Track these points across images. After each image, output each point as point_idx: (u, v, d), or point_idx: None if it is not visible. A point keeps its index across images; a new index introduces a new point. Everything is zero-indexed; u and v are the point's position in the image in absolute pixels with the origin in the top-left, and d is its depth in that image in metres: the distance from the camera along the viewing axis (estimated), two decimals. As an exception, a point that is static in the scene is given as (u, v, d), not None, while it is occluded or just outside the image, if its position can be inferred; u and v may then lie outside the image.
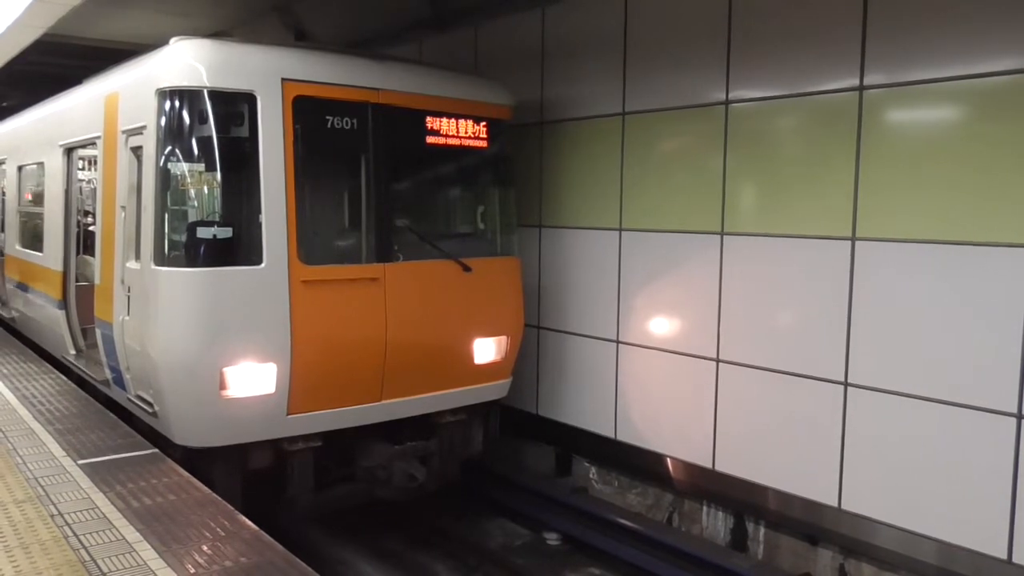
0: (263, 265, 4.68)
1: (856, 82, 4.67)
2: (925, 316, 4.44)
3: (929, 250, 4.40)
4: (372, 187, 5.22)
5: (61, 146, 6.87)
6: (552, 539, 6.19)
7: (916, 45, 4.41)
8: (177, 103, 4.68)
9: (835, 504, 4.89)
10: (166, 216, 4.74)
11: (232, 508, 3.99)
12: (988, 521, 4.23)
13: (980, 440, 4.24)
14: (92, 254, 6.26)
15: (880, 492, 4.68)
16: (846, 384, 4.82)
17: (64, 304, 6.74)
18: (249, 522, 3.82)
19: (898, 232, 4.52)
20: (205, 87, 4.61)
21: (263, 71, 4.73)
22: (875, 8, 4.58)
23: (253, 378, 4.70)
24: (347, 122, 5.05)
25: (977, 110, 4.23)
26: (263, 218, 4.68)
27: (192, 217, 4.77)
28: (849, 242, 4.75)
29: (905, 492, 4.57)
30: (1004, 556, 4.18)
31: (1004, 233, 4.10)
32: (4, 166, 9.46)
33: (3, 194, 9.59)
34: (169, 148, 4.72)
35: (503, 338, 5.96)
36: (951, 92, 4.30)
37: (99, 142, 5.91)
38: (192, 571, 3.27)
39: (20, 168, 8.68)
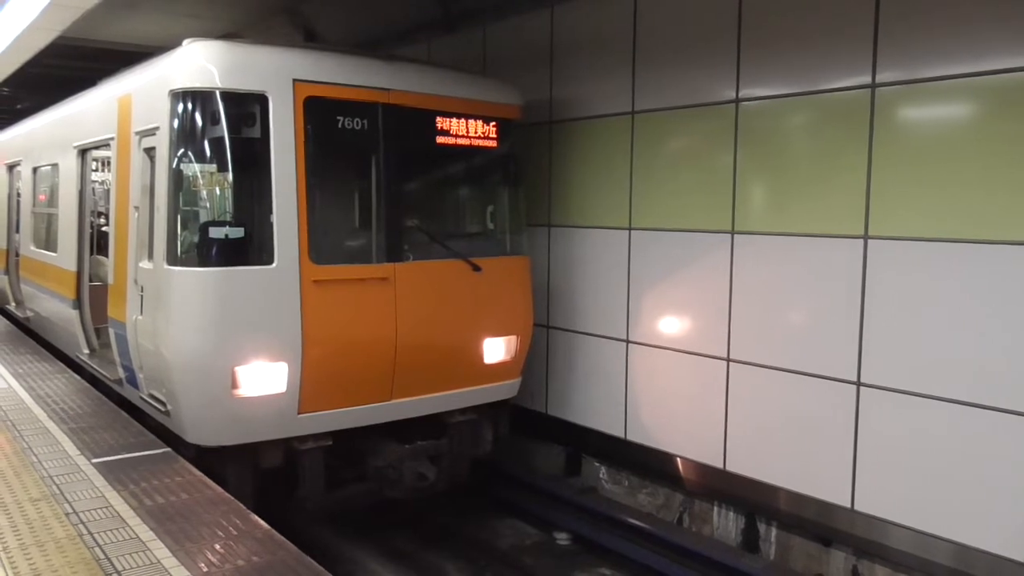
0: (274, 265, 4.70)
1: (868, 80, 4.64)
2: (938, 315, 4.40)
3: (942, 248, 4.36)
4: (382, 187, 5.23)
5: (75, 147, 6.93)
6: (562, 539, 6.18)
7: (929, 42, 4.37)
8: (190, 104, 4.71)
9: (848, 505, 4.86)
10: (179, 216, 4.77)
11: (244, 507, 4.01)
12: (1005, 522, 4.18)
13: (996, 440, 4.20)
14: (106, 254, 6.31)
15: (894, 493, 4.64)
16: (859, 384, 4.79)
17: (78, 304, 6.80)
18: (261, 521, 3.84)
19: (911, 230, 4.49)
20: (217, 88, 4.64)
21: (275, 72, 4.76)
22: (887, 4, 4.54)
23: (264, 377, 4.72)
24: (358, 122, 5.07)
25: (991, 107, 4.18)
26: (274, 218, 4.70)
27: (204, 217, 4.80)
28: (861, 240, 4.72)
29: (919, 493, 4.53)
30: (1022, 559, 4.13)
31: (1019, 231, 4.05)
32: (19, 168, 9.56)
33: (18, 195, 9.69)
34: (182, 149, 4.75)
35: (512, 337, 5.96)
36: (965, 89, 4.26)
37: (113, 143, 5.96)
38: (205, 570, 3.29)
39: (35, 170, 8.76)
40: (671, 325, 5.98)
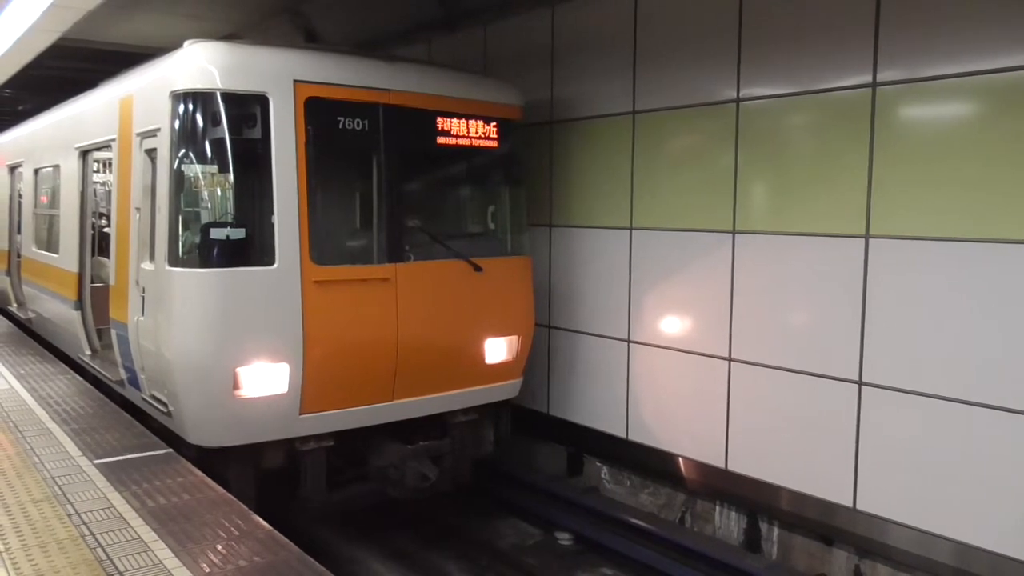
0: (276, 266, 4.71)
1: (869, 79, 4.63)
2: (940, 314, 4.40)
3: (943, 248, 4.35)
4: (383, 187, 5.23)
5: (76, 149, 6.94)
6: (564, 539, 6.18)
7: (930, 40, 4.36)
8: (191, 105, 4.72)
9: (850, 504, 4.85)
10: (180, 217, 4.78)
11: (246, 508, 4.01)
12: (1007, 521, 4.18)
13: (997, 439, 4.19)
14: (107, 255, 6.32)
15: (896, 492, 4.64)
16: (860, 383, 4.79)
17: (80, 305, 6.81)
18: (263, 522, 3.84)
19: (912, 230, 4.48)
20: (218, 89, 4.64)
21: (275, 73, 4.76)
22: (887, 3, 4.54)
23: (266, 378, 4.72)
24: (358, 123, 5.07)
25: (992, 106, 4.18)
26: (275, 219, 4.71)
27: (206, 218, 4.81)
28: (863, 240, 4.71)
29: (921, 492, 4.52)
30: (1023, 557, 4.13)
31: (1020, 230, 4.04)
32: (21, 169, 9.57)
33: (20, 197, 9.71)
34: (183, 150, 4.75)
35: (514, 338, 5.96)
36: (966, 88, 4.25)
37: (114, 145, 5.97)
38: (207, 570, 3.30)
39: (36, 171, 8.77)
40: (672, 325, 5.98)
